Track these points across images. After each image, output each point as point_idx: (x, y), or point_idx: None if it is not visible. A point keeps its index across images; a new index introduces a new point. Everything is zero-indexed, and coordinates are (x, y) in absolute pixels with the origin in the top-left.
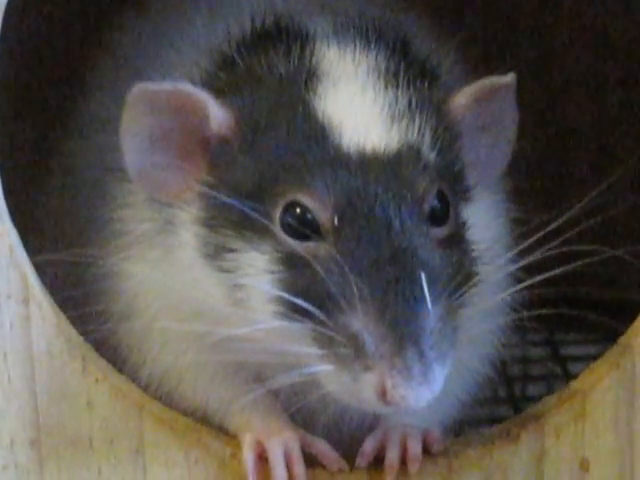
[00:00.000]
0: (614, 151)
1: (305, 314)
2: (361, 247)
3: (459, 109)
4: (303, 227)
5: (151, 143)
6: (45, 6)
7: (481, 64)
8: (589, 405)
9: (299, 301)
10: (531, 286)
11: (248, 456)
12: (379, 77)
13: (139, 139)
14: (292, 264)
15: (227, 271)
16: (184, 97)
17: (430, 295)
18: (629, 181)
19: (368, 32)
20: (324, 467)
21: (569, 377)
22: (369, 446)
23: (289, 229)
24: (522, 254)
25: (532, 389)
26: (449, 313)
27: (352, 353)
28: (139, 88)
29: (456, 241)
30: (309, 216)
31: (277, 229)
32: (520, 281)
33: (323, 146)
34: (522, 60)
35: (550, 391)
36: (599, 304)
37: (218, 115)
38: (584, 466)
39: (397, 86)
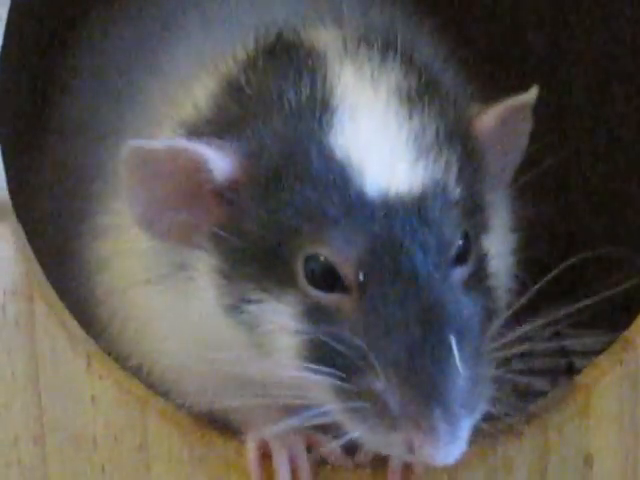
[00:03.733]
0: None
1: (327, 376)
2: (386, 305)
3: (484, 133)
4: (327, 278)
5: (156, 201)
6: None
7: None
8: (593, 400)
9: (322, 368)
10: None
11: (252, 455)
12: (401, 101)
13: (143, 198)
14: (317, 316)
15: (247, 324)
16: (182, 155)
17: (460, 352)
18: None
19: (381, 46)
20: (327, 464)
21: (574, 371)
22: None
23: (313, 279)
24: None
25: (537, 384)
26: (480, 367)
27: (377, 416)
28: (131, 147)
29: (479, 277)
30: (332, 268)
31: (301, 279)
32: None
33: (343, 192)
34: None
35: (555, 385)
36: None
37: (222, 167)
38: (588, 461)
39: (421, 111)
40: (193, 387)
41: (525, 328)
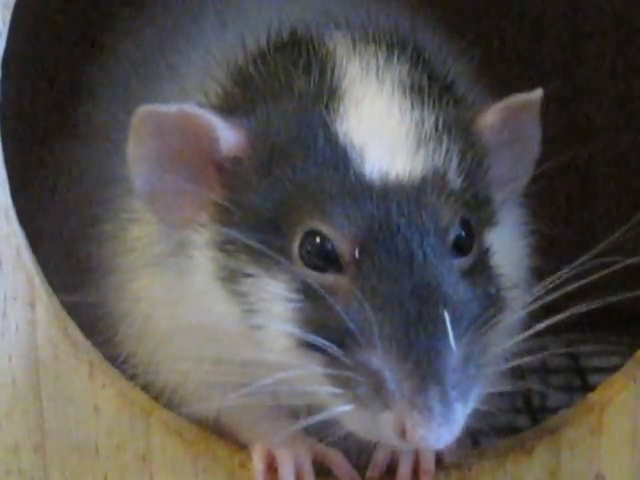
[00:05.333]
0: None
1: (321, 349)
2: (382, 281)
3: (487, 128)
4: (322, 258)
5: (160, 166)
6: (49, 6)
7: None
8: (605, 419)
9: (315, 338)
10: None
11: (258, 467)
12: (404, 94)
13: (147, 163)
14: (310, 295)
15: (242, 295)
16: (190, 119)
17: (454, 332)
18: None
19: (389, 44)
20: (335, 477)
21: (589, 388)
22: (380, 457)
23: (308, 259)
24: (542, 271)
25: (551, 400)
26: (474, 349)
27: (370, 391)
28: (143, 111)
29: (480, 270)
30: (329, 246)
31: (295, 258)
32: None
33: (344, 172)
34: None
35: (570, 402)
36: (620, 315)
37: (229, 137)
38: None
39: (424, 104)
40: (196, 387)
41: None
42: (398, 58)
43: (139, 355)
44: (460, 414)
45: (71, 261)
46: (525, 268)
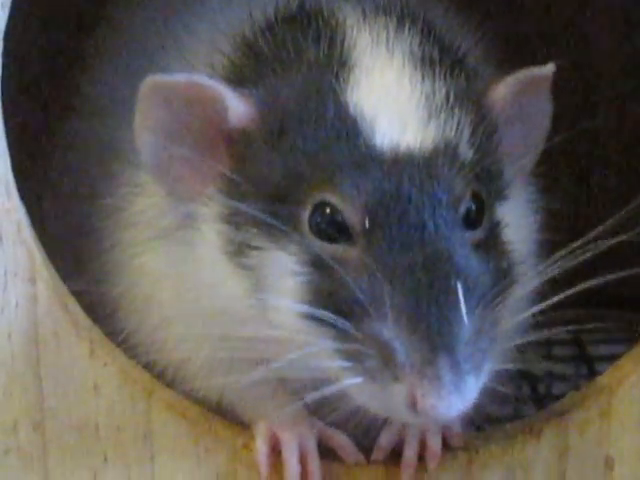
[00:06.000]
0: None
1: (331, 323)
2: (393, 252)
3: (498, 102)
4: (332, 229)
5: (167, 137)
6: None
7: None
8: (615, 402)
9: (325, 313)
10: (557, 284)
11: (261, 448)
12: (415, 66)
13: (154, 133)
14: (319, 267)
15: (250, 269)
16: (199, 89)
17: (466, 303)
18: None
19: (400, 16)
20: (339, 460)
21: (595, 377)
22: (386, 440)
23: (317, 230)
24: (551, 251)
25: (557, 388)
26: (486, 322)
27: (381, 363)
28: (151, 81)
29: (492, 244)
30: (339, 217)
31: (305, 229)
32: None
33: (354, 143)
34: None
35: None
36: (627, 302)
37: (238, 107)
38: (609, 464)
39: (434, 76)
40: (200, 366)
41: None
42: (409, 30)
43: (142, 333)
44: (472, 385)
45: (74, 237)
46: (534, 242)
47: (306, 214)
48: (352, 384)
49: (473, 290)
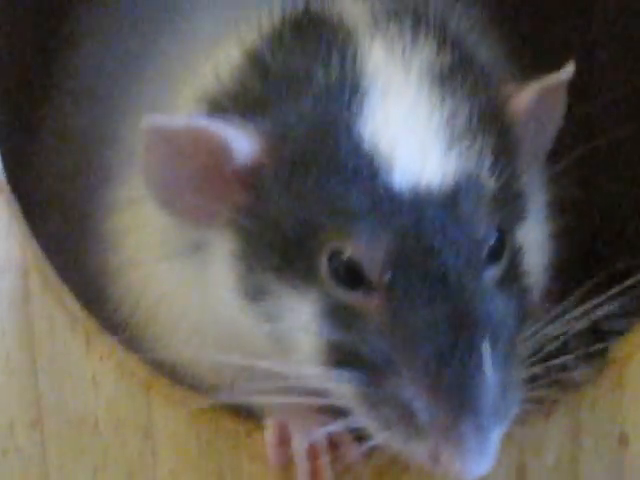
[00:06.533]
0: None
1: (352, 376)
2: (414, 306)
3: (520, 114)
4: (351, 277)
5: (174, 175)
6: None
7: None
8: (627, 375)
9: (343, 372)
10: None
11: (270, 439)
12: (433, 82)
13: (161, 172)
14: (339, 316)
15: (267, 315)
16: (201, 134)
17: (491, 359)
18: None
19: (412, 21)
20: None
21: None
22: None
23: (336, 276)
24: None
25: (571, 363)
26: (510, 371)
27: (402, 422)
28: (151, 127)
29: (513, 274)
30: (357, 266)
31: (323, 275)
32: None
33: (370, 183)
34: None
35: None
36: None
37: (243, 147)
38: (623, 440)
39: (454, 91)
40: (208, 373)
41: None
42: (424, 36)
43: (147, 334)
44: (496, 439)
45: (72, 230)
46: (546, 252)
47: (323, 260)
48: (377, 441)
49: (497, 342)
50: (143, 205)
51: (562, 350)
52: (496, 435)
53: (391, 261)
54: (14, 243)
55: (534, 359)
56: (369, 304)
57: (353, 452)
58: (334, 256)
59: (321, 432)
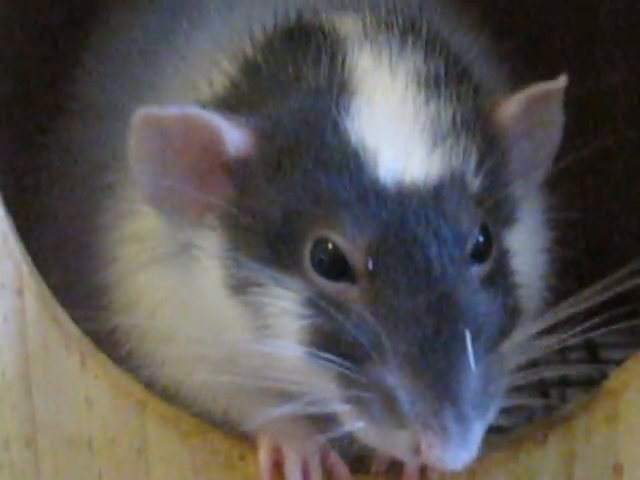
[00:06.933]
0: None
1: (333, 365)
2: (398, 294)
3: (508, 120)
4: (334, 266)
5: (163, 167)
6: None
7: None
8: (622, 406)
9: (327, 356)
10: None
11: (264, 461)
12: (419, 87)
13: (150, 164)
14: (321, 307)
15: (251, 306)
16: (195, 122)
17: (473, 349)
18: None
19: (402, 30)
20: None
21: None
22: None
23: (319, 266)
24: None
25: (570, 394)
26: (493, 364)
27: (384, 410)
28: (143, 114)
29: (500, 275)
30: (340, 256)
31: (307, 265)
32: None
33: (357, 176)
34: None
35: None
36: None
37: (235, 138)
38: (617, 471)
39: (440, 97)
40: (202, 384)
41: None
42: (413, 44)
43: (141, 350)
44: (478, 433)
45: (66, 249)
46: (544, 263)
47: (307, 250)
48: (355, 428)
49: (480, 334)
50: (139, 217)
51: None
52: (478, 427)
53: (374, 250)
54: (9, 261)
55: (527, 370)
56: (352, 294)
57: (345, 474)
58: (319, 245)
59: (314, 454)
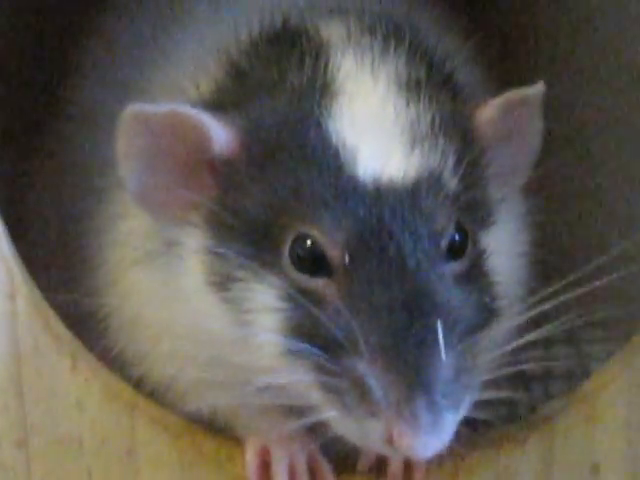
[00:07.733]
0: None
1: (310, 355)
2: (372, 288)
3: (486, 124)
4: (312, 262)
5: (150, 164)
6: None
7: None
8: (600, 407)
9: (303, 346)
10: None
11: (251, 461)
12: (400, 90)
13: (137, 162)
14: (300, 300)
15: (232, 302)
16: (182, 119)
17: (445, 340)
18: None
19: (385, 35)
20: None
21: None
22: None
23: (298, 262)
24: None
25: (553, 388)
26: (466, 357)
27: (357, 399)
28: (132, 110)
29: (474, 274)
30: (318, 251)
31: (286, 262)
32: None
33: (336, 174)
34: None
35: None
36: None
37: (221, 136)
38: (595, 471)
39: (420, 100)
40: (189, 383)
41: (540, 332)
42: (395, 49)
43: (131, 351)
44: (450, 423)
45: (58, 253)
46: (522, 266)
47: (286, 246)
48: (330, 416)
49: (453, 327)
50: (128, 219)
51: (544, 372)
52: (451, 416)
53: (351, 245)
54: (1, 265)
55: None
56: (329, 289)
57: (330, 473)
58: (297, 242)
59: (301, 454)
